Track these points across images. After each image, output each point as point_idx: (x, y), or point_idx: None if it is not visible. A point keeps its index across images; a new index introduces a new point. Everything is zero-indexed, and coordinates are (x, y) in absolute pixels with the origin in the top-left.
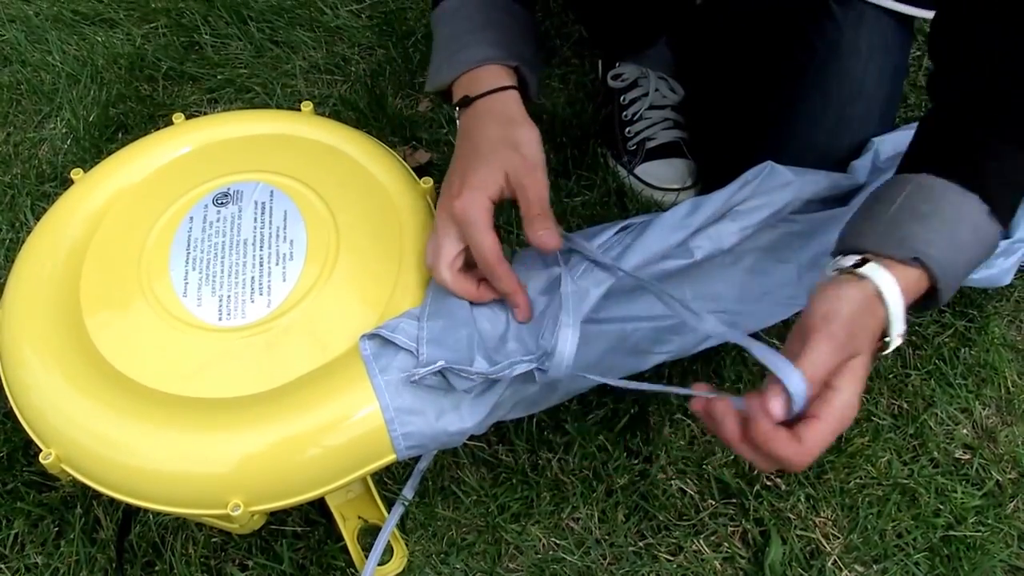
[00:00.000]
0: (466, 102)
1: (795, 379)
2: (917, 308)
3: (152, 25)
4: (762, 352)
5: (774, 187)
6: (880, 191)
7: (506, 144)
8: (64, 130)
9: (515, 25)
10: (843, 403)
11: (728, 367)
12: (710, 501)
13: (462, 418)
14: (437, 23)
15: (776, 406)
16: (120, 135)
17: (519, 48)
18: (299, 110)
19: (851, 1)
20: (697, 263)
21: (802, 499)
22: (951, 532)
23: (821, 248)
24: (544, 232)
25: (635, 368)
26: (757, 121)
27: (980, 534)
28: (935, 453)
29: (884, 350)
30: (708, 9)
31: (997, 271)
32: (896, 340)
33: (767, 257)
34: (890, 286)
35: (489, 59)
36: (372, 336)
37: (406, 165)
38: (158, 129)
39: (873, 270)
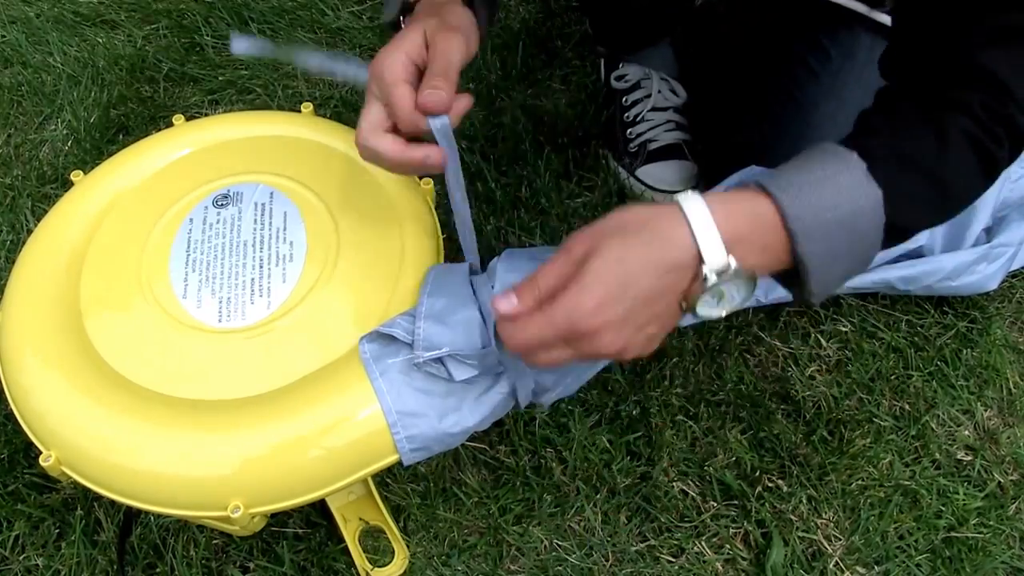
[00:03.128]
0: (406, 8)
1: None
2: (791, 282)
3: (153, 26)
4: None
5: None
6: None
7: (433, 15)
8: (65, 132)
9: None
10: (565, 307)
11: (730, 368)
12: (712, 503)
13: (464, 417)
14: None
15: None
16: (121, 136)
17: None
18: (300, 111)
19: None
20: None
21: (804, 501)
22: (953, 533)
23: None
24: (431, 91)
25: None
26: (765, 125)
27: (982, 535)
28: (937, 454)
29: (704, 283)
30: (709, 9)
31: (980, 277)
32: (716, 266)
33: None
34: (691, 200)
35: None
36: (371, 338)
37: None
38: (159, 130)
39: (684, 196)
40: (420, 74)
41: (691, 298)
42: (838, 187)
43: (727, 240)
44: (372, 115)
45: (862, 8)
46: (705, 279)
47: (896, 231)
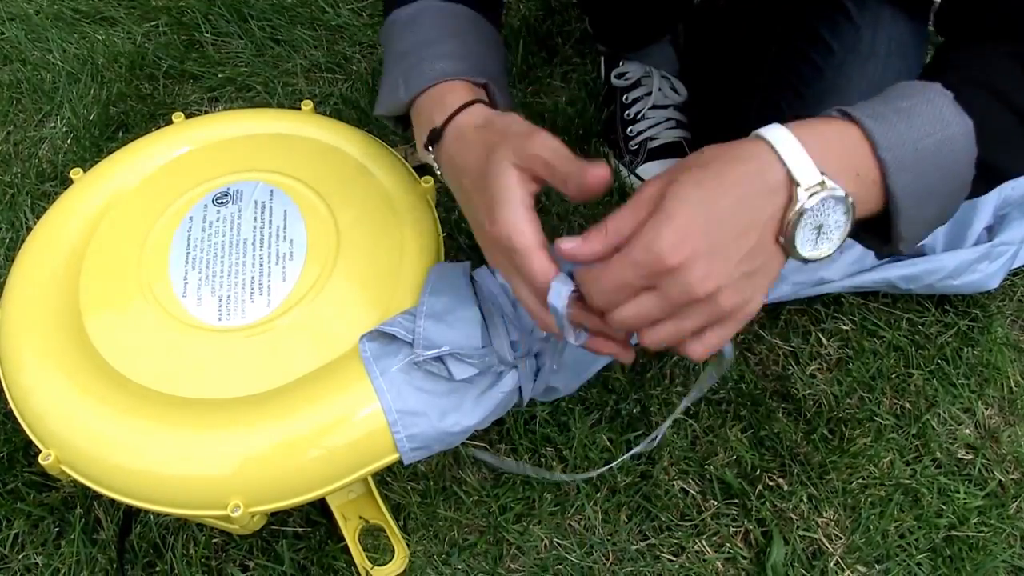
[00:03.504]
0: (435, 137)
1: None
2: (875, 230)
3: (153, 23)
4: None
5: None
6: None
7: (492, 143)
8: (64, 129)
9: (481, 39)
10: (644, 242)
11: (732, 367)
12: (712, 501)
13: (464, 416)
14: (389, 36)
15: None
16: (121, 134)
17: (486, 64)
18: (300, 109)
19: (866, 2)
20: None
21: (804, 499)
22: (954, 532)
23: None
24: (587, 170)
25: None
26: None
27: (983, 534)
28: (938, 453)
29: (800, 216)
30: (710, 6)
31: (982, 276)
32: (809, 185)
33: None
34: (772, 128)
35: (453, 74)
36: (372, 337)
37: (407, 164)
38: (158, 128)
39: (768, 128)
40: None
41: (788, 229)
42: (927, 116)
43: (817, 161)
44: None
45: None
46: (799, 203)
47: (988, 170)
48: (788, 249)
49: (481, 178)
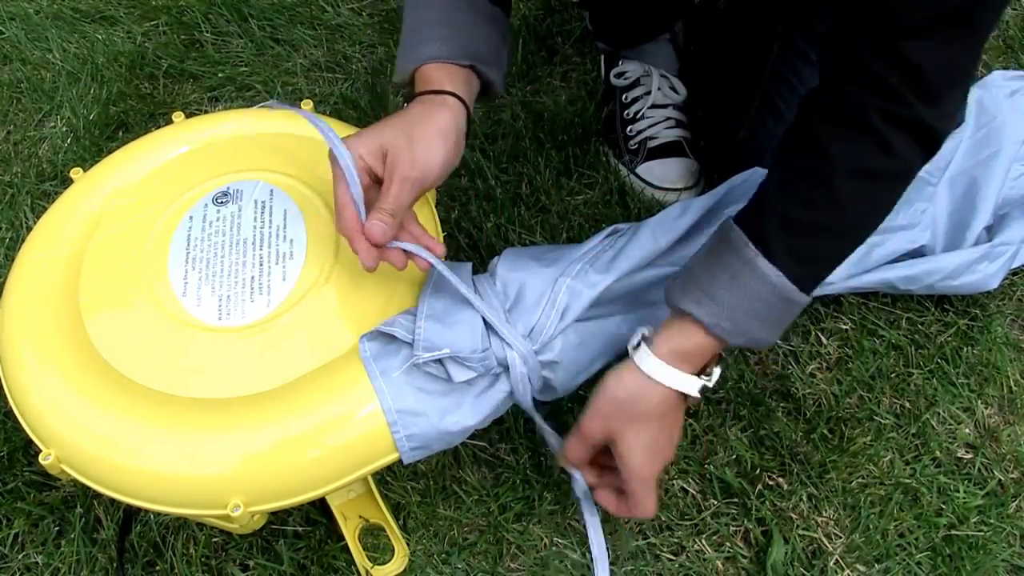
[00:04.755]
0: (409, 96)
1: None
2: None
3: (153, 23)
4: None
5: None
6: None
7: (408, 128)
8: (64, 128)
9: (476, 22)
10: (630, 468)
11: (730, 365)
12: (712, 501)
13: (465, 416)
14: (405, 13)
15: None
16: (121, 133)
17: (476, 47)
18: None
19: None
20: None
21: (804, 499)
22: (953, 532)
23: None
24: (375, 222)
25: None
26: (768, 121)
27: (982, 534)
28: (937, 452)
29: (696, 401)
30: (710, 4)
31: (981, 276)
32: (695, 392)
33: None
34: (657, 369)
35: (437, 57)
36: (372, 337)
37: None
38: (158, 127)
39: (641, 357)
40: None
41: (690, 406)
42: (740, 287)
43: (690, 366)
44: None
45: None
46: (692, 398)
47: (815, 279)
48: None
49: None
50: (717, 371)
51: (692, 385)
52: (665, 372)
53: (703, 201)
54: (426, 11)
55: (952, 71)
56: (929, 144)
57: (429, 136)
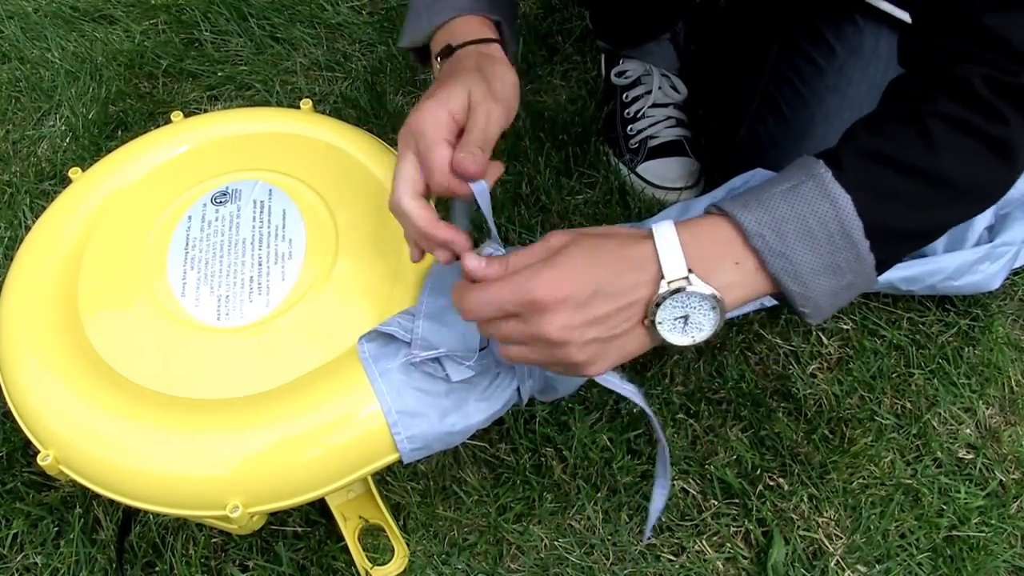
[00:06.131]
0: (447, 51)
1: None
2: (782, 298)
3: (152, 22)
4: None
5: None
6: None
7: (479, 72)
8: (63, 128)
9: None
10: (526, 274)
11: (731, 366)
12: (712, 501)
13: (466, 416)
14: None
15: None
16: (120, 133)
17: (499, 4)
18: (299, 108)
19: (871, 10)
20: None
21: (805, 499)
22: (954, 532)
23: None
24: (468, 155)
25: None
26: (769, 120)
27: (983, 534)
28: (938, 453)
29: (660, 303)
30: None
31: (983, 276)
32: (668, 281)
33: None
34: (661, 225)
35: (470, 9)
36: (371, 338)
37: None
38: (158, 127)
39: (660, 227)
40: (459, 133)
41: (650, 313)
42: (799, 198)
43: (690, 256)
44: (408, 173)
45: None
46: (660, 292)
47: (886, 233)
48: (652, 332)
49: (444, 79)
50: (703, 331)
51: (676, 265)
52: (666, 233)
53: (703, 203)
54: None
55: None
56: None
57: (498, 70)
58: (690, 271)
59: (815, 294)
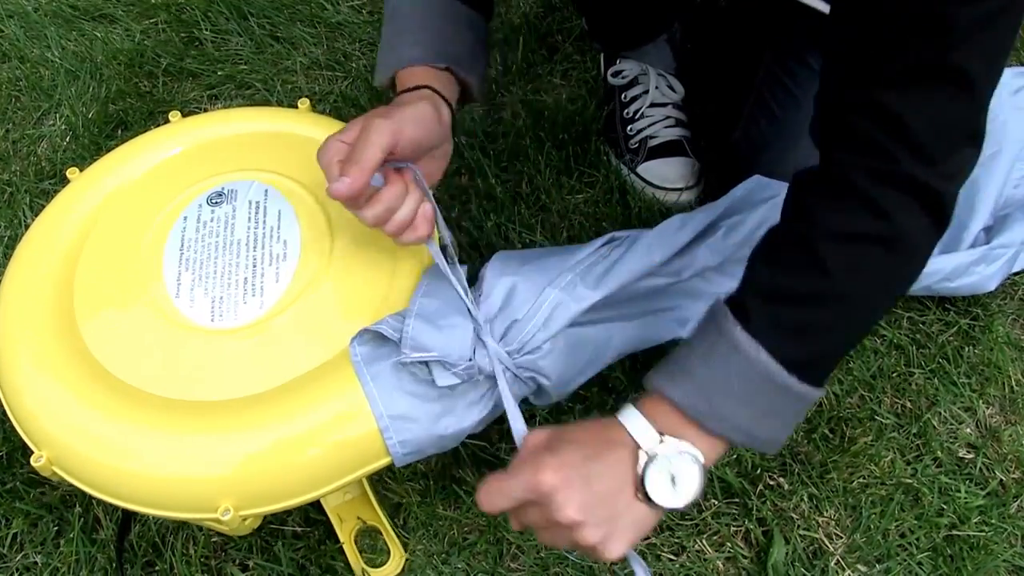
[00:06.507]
0: (390, 99)
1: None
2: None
3: (152, 21)
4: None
5: (761, 200)
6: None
7: (388, 108)
8: (63, 127)
9: (452, 26)
10: (531, 463)
11: None
12: (713, 501)
13: (459, 419)
14: (384, 20)
15: None
16: (119, 132)
17: (454, 49)
18: (297, 107)
19: None
20: (683, 280)
21: (805, 499)
22: (954, 532)
23: None
24: (336, 182)
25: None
26: (762, 122)
27: (984, 534)
28: (938, 452)
29: (645, 468)
30: (711, 4)
31: (979, 278)
32: (645, 448)
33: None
34: (628, 412)
35: (415, 60)
36: (362, 341)
37: None
38: (158, 126)
39: (623, 410)
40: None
41: (638, 481)
42: (715, 361)
43: (661, 428)
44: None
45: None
46: (642, 460)
47: (814, 362)
48: (646, 500)
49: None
50: (692, 486)
51: (649, 437)
52: (634, 418)
53: (703, 216)
54: (404, 19)
55: (945, 125)
56: (932, 207)
57: (407, 104)
58: (661, 433)
59: (765, 435)
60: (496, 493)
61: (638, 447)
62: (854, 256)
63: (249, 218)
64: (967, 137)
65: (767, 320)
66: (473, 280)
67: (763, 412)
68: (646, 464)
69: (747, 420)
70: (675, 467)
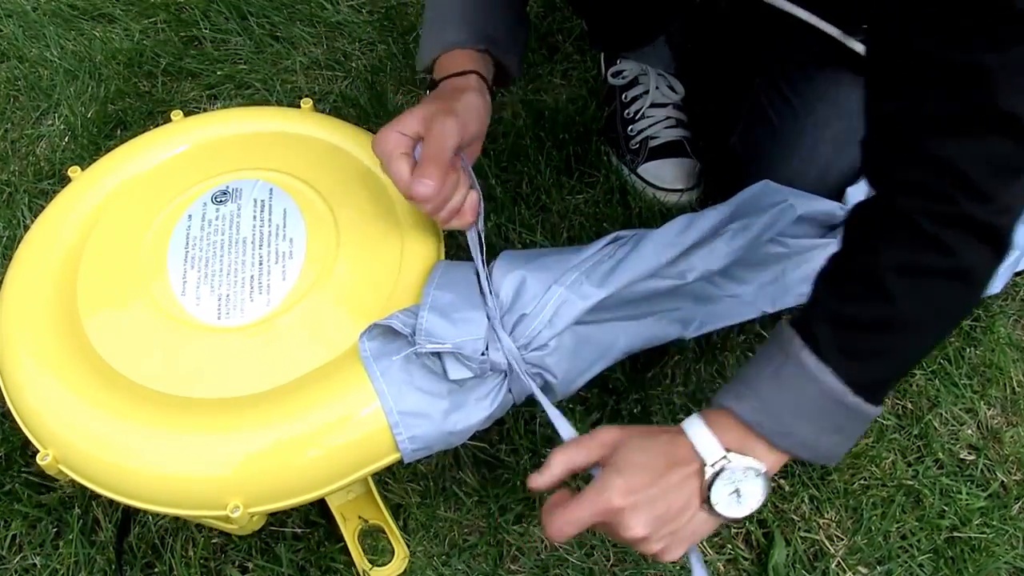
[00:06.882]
0: (432, 85)
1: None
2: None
3: (151, 20)
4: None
5: (769, 205)
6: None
7: (439, 100)
8: (62, 127)
9: (491, 8)
10: (598, 488)
11: (732, 366)
12: None
13: (468, 415)
14: (425, 8)
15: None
16: (119, 132)
17: (491, 31)
18: (299, 107)
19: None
20: (688, 283)
21: (806, 500)
22: (956, 534)
23: (804, 274)
24: (419, 183)
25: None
26: (759, 129)
27: (985, 536)
28: (940, 454)
29: (711, 484)
30: (710, 6)
31: None
32: (711, 464)
33: (748, 270)
34: (693, 424)
35: (455, 44)
36: (371, 336)
37: None
38: (157, 126)
39: (689, 423)
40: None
41: (704, 494)
42: (783, 382)
43: (726, 443)
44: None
45: (836, 33)
46: (707, 476)
47: (873, 385)
48: (712, 512)
49: (402, 116)
50: (756, 498)
51: (714, 453)
52: (700, 432)
53: (709, 218)
54: (445, 3)
55: (998, 166)
56: (992, 240)
57: (461, 95)
58: (728, 450)
59: (826, 450)
60: (565, 524)
61: (704, 464)
62: (920, 287)
63: (254, 216)
64: (1019, 171)
65: (835, 345)
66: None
67: (828, 429)
68: (712, 479)
69: (812, 436)
70: (740, 481)
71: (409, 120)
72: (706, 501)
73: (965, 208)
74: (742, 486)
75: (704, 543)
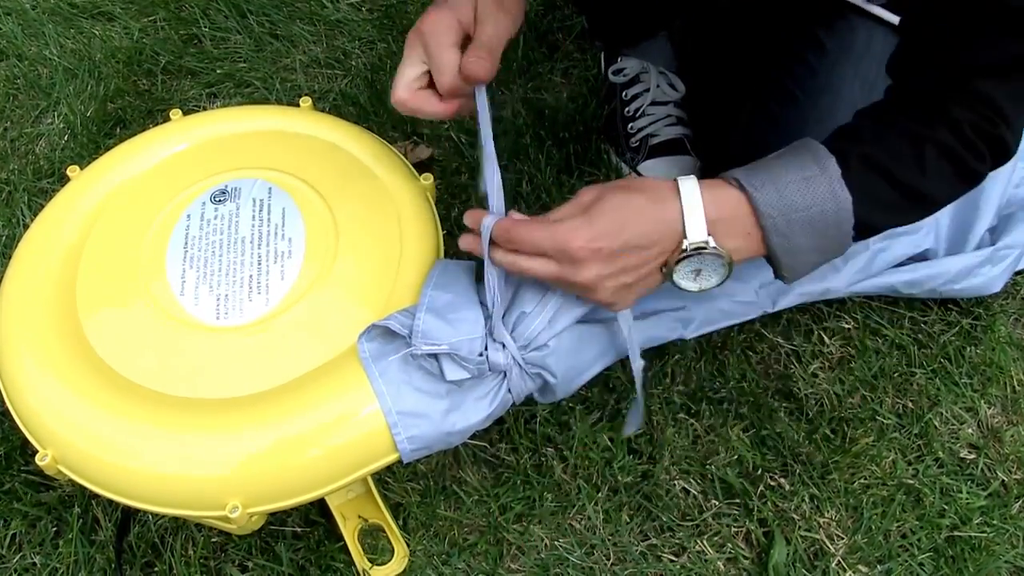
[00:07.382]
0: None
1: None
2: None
3: (150, 18)
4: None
5: None
6: None
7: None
8: (61, 125)
9: None
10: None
11: (732, 365)
12: (714, 501)
13: (465, 416)
14: None
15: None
16: (118, 130)
17: None
18: (298, 105)
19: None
20: None
21: (806, 499)
22: (956, 533)
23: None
24: (476, 60)
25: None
26: (760, 121)
27: (985, 535)
28: (940, 453)
29: (680, 260)
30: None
31: (984, 279)
32: (690, 244)
33: (749, 270)
34: (686, 182)
35: None
36: (370, 337)
37: (406, 161)
38: (156, 124)
39: (686, 187)
40: (466, 41)
41: (671, 264)
42: (810, 191)
43: (710, 220)
44: (411, 73)
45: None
46: (684, 249)
47: (867, 228)
48: (667, 278)
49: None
50: (713, 281)
51: (699, 230)
52: (691, 194)
53: None
54: None
55: (1020, 100)
56: (1005, 156)
57: None
58: (710, 235)
59: (799, 265)
60: (519, 229)
61: (684, 235)
62: (948, 170)
63: (253, 216)
64: None
65: (862, 181)
66: (480, 278)
67: (815, 248)
68: (683, 256)
69: (802, 249)
70: (706, 265)
71: (464, 8)
72: (668, 269)
73: (1000, 131)
74: (706, 268)
75: (704, 543)
